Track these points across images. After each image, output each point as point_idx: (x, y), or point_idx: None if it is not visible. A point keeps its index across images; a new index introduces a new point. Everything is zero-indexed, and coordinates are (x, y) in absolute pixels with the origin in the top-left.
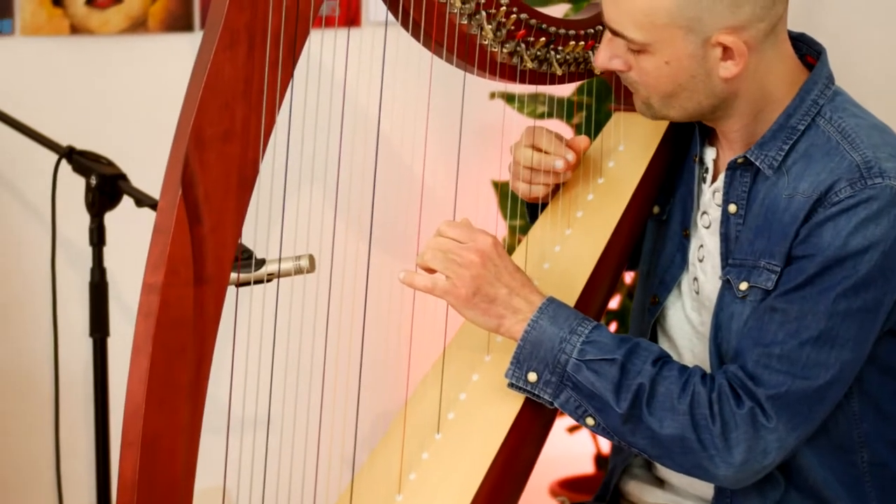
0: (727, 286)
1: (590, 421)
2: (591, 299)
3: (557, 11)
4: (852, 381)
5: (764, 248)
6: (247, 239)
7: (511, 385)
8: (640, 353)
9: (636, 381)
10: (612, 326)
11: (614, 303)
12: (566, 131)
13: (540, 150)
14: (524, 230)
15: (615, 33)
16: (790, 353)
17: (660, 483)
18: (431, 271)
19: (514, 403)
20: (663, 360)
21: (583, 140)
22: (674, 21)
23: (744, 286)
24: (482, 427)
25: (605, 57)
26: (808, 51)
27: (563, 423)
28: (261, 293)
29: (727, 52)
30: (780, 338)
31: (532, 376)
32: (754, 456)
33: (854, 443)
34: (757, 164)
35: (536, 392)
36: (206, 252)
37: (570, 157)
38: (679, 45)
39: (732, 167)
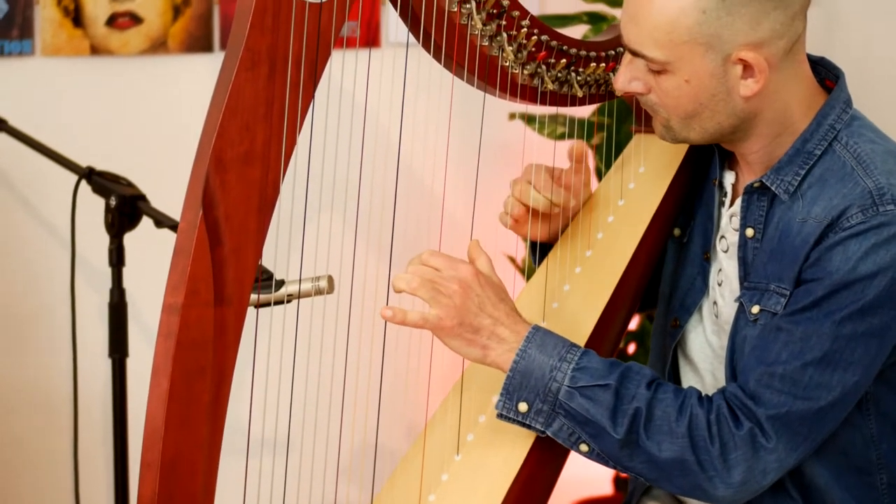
0: (741, 310)
1: (584, 447)
2: (613, 319)
3: (576, 32)
4: (870, 404)
5: (775, 271)
6: (267, 260)
7: (501, 416)
8: (633, 376)
9: (632, 406)
10: (632, 347)
11: (633, 324)
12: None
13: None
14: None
15: (635, 54)
16: (793, 374)
17: None
18: (399, 291)
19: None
20: (657, 382)
21: (581, 149)
22: (694, 38)
23: (755, 310)
24: (502, 449)
25: (625, 79)
26: (827, 74)
27: None
28: (281, 314)
29: (747, 69)
30: (784, 358)
31: (523, 406)
32: (754, 476)
33: (872, 464)
34: (773, 188)
35: (528, 422)
36: (227, 273)
37: (561, 199)
38: (699, 62)
39: (749, 192)
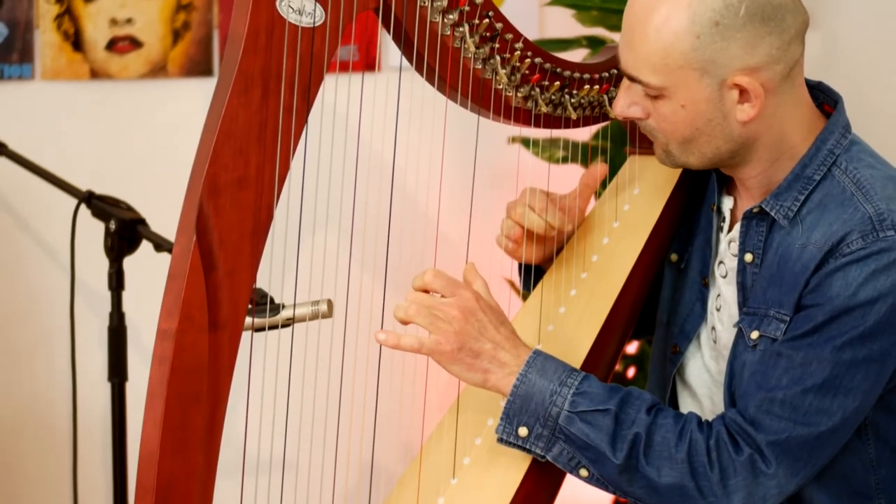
0: (740, 335)
1: (583, 472)
2: (607, 344)
3: (576, 56)
4: (869, 429)
5: (775, 297)
6: (262, 283)
7: (501, 440)
8: (633, 401)
9: (632, 431)
10: (631, 371)
11: (633, 348)
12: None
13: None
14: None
15: (632, 79)
16: (793, 400)
17: None
18: (405, 323)
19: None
20: (657, 407)
21: (598, 170)
22: (689, 63)
23: (755, 335)
24: (498, 471)
25: (624, 104)
26: (825, 99)
27: None
28: (276, 338)
29: (744, 94)
30: (784, 383)
31: (523, 431)
32: (753, 502)
33: (871, 489)
34: (772, 214)
35: (527, 447)
36: (221, 298)
37: (558, 223)
38: (695, 87)
39: (748, 217)
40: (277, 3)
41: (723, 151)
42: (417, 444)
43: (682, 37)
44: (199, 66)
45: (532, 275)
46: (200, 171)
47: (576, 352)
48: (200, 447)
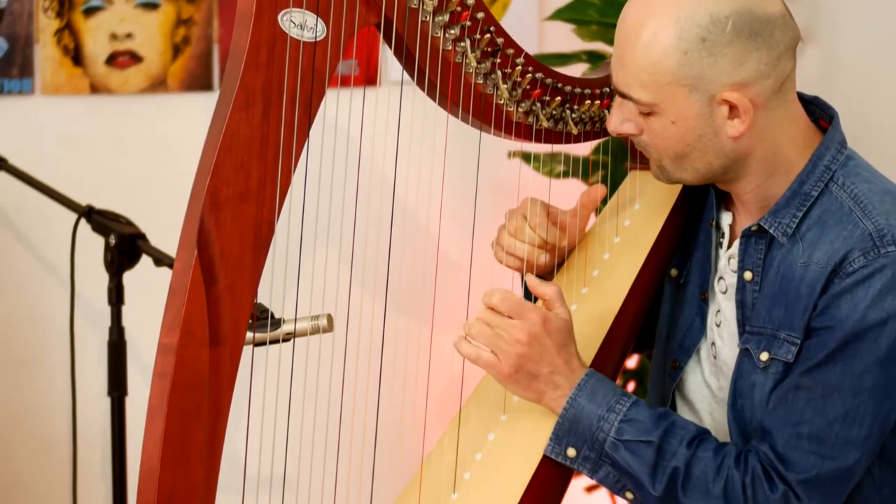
0: (746, 355)
1: (629, 495)
2: (608, 358)
3: (575, 71)
4: None
5: (783, 318)
6: (262, 299)
7: (547, 458)
8: (676, 432)
9: (671, 464)
10: (631, 386)
11: (632, 362)
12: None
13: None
14: None
15: (623, 95)
16: (819, 433)
17: None
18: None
19: (530, 463)
20: (699, 439)
21: (597, 191)
22: (677, 79)
23: (764, 357)
24: (498, 487)
25: (617, 121)
26: (821, 114)
27: (580, 482)
28: (276, 353)
29: (733, 110)
30: (808, 416)
31: (571, 452)
32: None
33: None
34: (771, 231)
35: (576, 467)
36: (222, 312)
37: (551, 239)
38: (684, 103)
39: (747, 235)
40: (279, 18)
41: (715, 167)
42: (418, 459)
43: (670, 53)
44: (198, 81)
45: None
46: (202, 186)
47: None
48: (201, 462)
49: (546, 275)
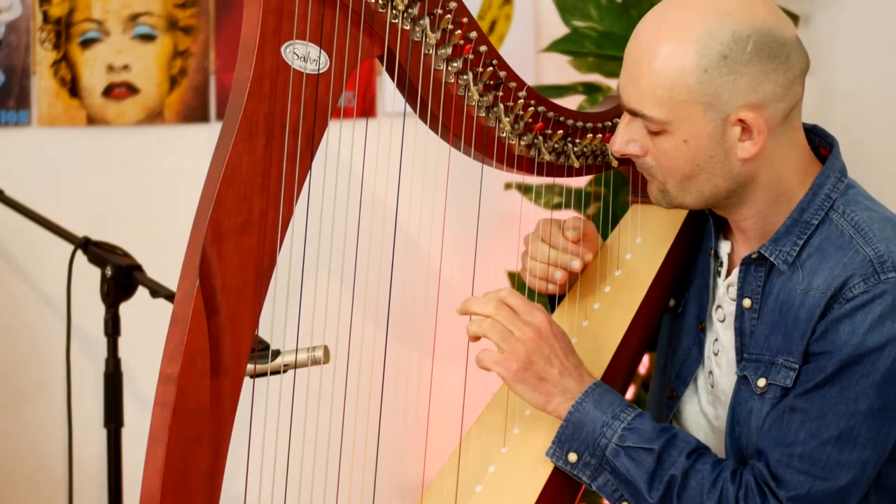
0: (744, 381)
1: None
2: (611, 387)
3: (572, 103)
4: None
5: (781, 344)
6: (264, 329)
7: (555, 473)
8: (678, 443)
9: (669, 473)
10: None
11: (630, 393)
12: None
13: (555, 246)
14: None
15: (634, 113)
16: (811, 453)
17: None
18: (476, 339)
19: (532, 494)
20: (699, 452)
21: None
22: (694, 97)
23: (762, 383)
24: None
25: (622, 140)
26: (820, 143)
27: None
28: (277, 382)
29: (746, 131)
30: (802, 437)
31: (572, 457)
32: None
33: None
34: (772, 259)
35: (576, 472)
36: (223, 343)
37: (588, 257)
38: (698, 122)
39: (747, 262)
40: (282, 50)
41: (721, 190)
42: (419, 490)
43: (690, 69)
44: (195, 113)
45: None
46: (204, 217)
47: None
48: (201, 492)
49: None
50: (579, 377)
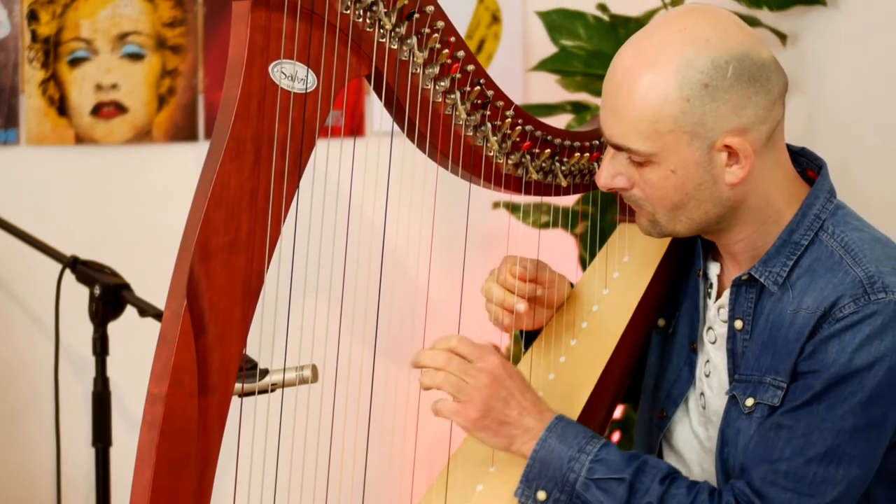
0: (733, 402)
1: None
2: (596, 409)
3: (560, 121)
4: (860, 496)
5: (770, 364)
6: (251, 348)
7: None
8: (649, 470)
9: (644, 500)
10: (616, 436)
11: (617, 412)
12: (569, 241)
13: (503, 285)
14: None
15: (618, 147)
16: (797, 471)
17: None
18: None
19: None
20: (671, 477)
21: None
22: (679, 127)
23: (750, 402)
24: None
25: (608, 175)
26: (809, 165)
27: None
28: (265, 402)
29: (732, 156)
30: (787, 454)
31: (541, 495)
32: None
33: None
34: (762, 280)
35: None
36: (211, 362)
37: (539, 292)
38: (685, 151)
39: (737, 284)
40: (270, 69)
41: (711, 216)
42: None
43: (672, 100)
44: (184, 132)
45: (523, 339)
46: (192, 236)
47: None
48: None
49: (537, 327)
50: (538, 414)
